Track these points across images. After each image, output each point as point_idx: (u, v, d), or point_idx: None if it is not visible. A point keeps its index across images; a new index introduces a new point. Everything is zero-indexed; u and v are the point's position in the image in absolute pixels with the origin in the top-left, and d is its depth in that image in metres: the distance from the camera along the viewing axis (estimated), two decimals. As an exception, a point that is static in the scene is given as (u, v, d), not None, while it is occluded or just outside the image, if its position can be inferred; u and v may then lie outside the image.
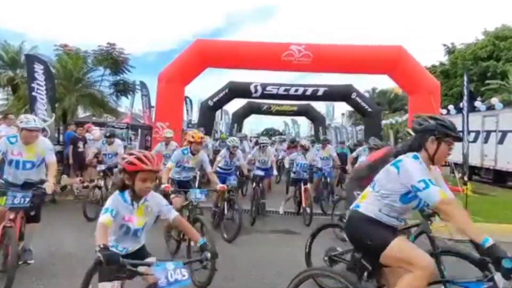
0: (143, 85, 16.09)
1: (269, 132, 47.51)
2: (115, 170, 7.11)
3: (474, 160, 13.39)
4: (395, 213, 2.47)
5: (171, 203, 4.17)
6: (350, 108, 23.40)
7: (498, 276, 2.05)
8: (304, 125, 37.38)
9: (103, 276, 2.21)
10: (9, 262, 3.42)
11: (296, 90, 16.55)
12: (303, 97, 17.33)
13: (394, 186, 2.39)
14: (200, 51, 12.21)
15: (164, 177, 4.83)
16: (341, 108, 35.88)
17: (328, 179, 8.73)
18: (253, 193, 7.51)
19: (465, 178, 8.62)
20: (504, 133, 12.88)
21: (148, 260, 2.38)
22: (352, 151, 14.00)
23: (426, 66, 21.50)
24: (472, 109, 14.11)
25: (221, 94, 16.96)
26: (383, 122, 24.34)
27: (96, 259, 1.88)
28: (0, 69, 15.70)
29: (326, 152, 9.11)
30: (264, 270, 4.44)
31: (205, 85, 17.30)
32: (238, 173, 7.76)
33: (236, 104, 24.55)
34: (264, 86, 16.39)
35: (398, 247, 2.31)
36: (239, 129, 23.52)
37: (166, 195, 5.52)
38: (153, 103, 14.87)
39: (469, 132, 11.70)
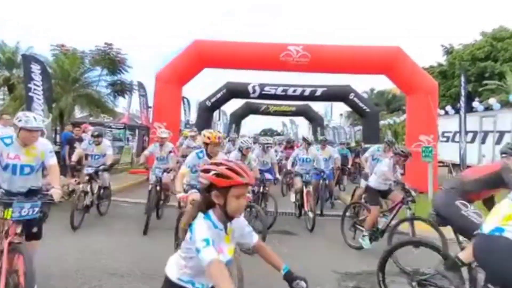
0: (140, 85, 16.06)
1: (267, 133, 47.48)
2: (104, 173, 6.74)
3: (471, 161, 13.39)
4: None
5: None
6: (348, 109, 23.42)
7: None
8: (302, 125, 37.39)
9: None
10: (25, 285, 2.82)
11: (294, 91, 16.54)
12: (301, 97, 17.32)
13: None
14: (197, 52, 12.17)
15: (178, 184, 4.27)
16: (339, 108, 35.94)
17: (327, 181, 8.47)
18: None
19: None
20: (502, 134, 12.88)
21: None
22: (351, 151, 14.07)
23: (424, 66, 21.55)
24: (470, 109, 14.12)
25: (219, 95, 16.93)
26: (381, 122, 24.34)
27: None
28: (-3, 69, 15.63)
29: (325, 153, 8.74)
30: (261, 271, 4.41)
31: (203, 86, 17.23)
32: None
33: (234, 105, 24.53)
34: (262, 86, 16.38)
35: None
36: (237, 130, 23.48)
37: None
38: (150, 103, 14.84)
39: (466, 133, 11.73)
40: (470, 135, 13.48)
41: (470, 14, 77.70)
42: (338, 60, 11.98)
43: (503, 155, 3.69)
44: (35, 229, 3.36)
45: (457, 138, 12.76)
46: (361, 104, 16.79)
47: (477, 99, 16.65)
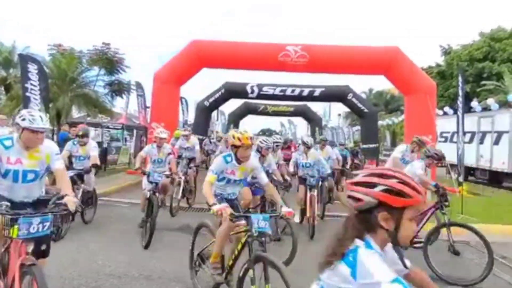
0: (138, 85, 16.01)
1: (266, 133, 47.48)
2: (90, 175, 6.26)
3: (469, 161, 13.41)
4: None
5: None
6: (346, 109, 23.40)
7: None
8: (300, 125, 37.41)
9: None
10: None
11: (293, 91, 16.50)
12: (299, 97, 17.29)
13: None
14: (196, 52, 12.13)
15: (209, 194, 3.53)
16: (338, 109, 35.96)
17: (326, 183, 8.05)
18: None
19: (460, 179, 8.62)
20: (500, 134, 12.90)
21: None
22: (350, 152, 14.05)
23: (423, 67, 21.58)
24: (468, 110, 14.14)
25: (217, 95, 16.88)
26: (380, 123, 24.37)
27: None
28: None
29: (324, 153, 8.46)
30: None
31: (201, 86, 17.20)
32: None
33: (232, 105, 24.48)
34: (260, 86, 16.34)
35: None
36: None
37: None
38: (148, 103, 14.81)
39: (464, 133, 11.74)
40: (468, 136, 13.50)
41: (468, 15, 77.98)
42: (336, 60, 11.96)
43: None
44: (43, 246, 2.82)
45: (455, 139, 12.77)
46: (359, 105, 16.76)
47: (475, 99, 16.68)
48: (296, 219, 6.62)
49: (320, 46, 12.30)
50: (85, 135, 6.29)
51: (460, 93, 9.19)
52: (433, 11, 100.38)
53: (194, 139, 9.19)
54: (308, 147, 7.13)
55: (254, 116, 26.54)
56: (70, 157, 6.32)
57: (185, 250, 5.14)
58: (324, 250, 1.31)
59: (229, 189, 4.03)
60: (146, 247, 5.09)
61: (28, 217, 2.64)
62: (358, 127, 23.84)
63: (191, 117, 21.60)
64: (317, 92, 16.56)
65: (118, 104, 17.01)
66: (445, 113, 16.31)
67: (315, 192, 6.60)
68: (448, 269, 4.49)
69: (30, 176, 3.02)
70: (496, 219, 7.42)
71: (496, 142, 13.10)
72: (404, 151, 6.61)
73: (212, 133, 20.40)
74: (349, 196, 1.36)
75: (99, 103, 13.46)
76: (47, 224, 2.73)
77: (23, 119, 2.89)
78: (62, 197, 2.88)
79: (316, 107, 27.36)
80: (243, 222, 3.39)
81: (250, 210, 4.79)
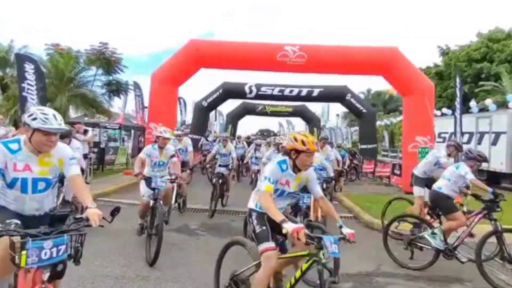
0: (136, 85, 15.96)
1: (264, 133, 47.46)
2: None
3: (468, 162, 13.40)
4: None
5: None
6: (345, 109, 23.44)
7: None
8: (299, 126, 37.41)
9: None
10: None
11: (291, 91, 16.51)
12: (298, 98, 17.30)
13: None
14: (193, 52, 12.10)
15: (272, 206, 2.81)
16: (336, 109, 36.04)
17: (325, 185, 7.49)
18: None
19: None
20: (497, 135, 12.92)
21: None
22: (348, 153, 14.06)
23: (421, 67, 21.61)
24: (466, 110, 14.16)
25: (215, 95, 16.86)
26: (378, 123, 24.39)
27: None
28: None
29: (323, 153, 7.99)
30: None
31: (199, 86, 17.17)
32: None
33: (230, 105, 24.46)
34: (258, 86, 16.33)
35: None
36: (234, 130, 23.42)
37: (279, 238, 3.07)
38: (146, 103, 14.77)
39: (463, 134, 11.75)
40: (466, 136, 13.51)
41: (467, 16, 78.21)
42: (334, 61, 11.96)
43: None
44: (60, 267, 2.32)
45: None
46: (358, 105, 16.79)
47: (473, 100, 16.71)
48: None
49: (319, 46, 12.30)
50: (67, 135, 5.47)
51: (458, 94, 9.22)
52: (431, 11, 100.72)
53: (187, 140, 8.60)
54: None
55: (252, 117, 26.53)
56: None
57: (183, 251, 5.13)
58: None
59: (280, 203, 3.18)
60: (152, 264, 4.43)
61: (37, 241, 2.13)
62: (357, 128, 23.88)
63: (189, 117, 21.57)
64: (315, 93, 16.57)
65: (116, 104, 17.01)
66: (443, 114, 16.33)
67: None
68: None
69: (41, 185, 2.57)
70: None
71: (494, 142, 13.12)
72: (439, 156, 6.11)
73: (210, 133, 20.38)
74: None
75: (96, 103, 13.43)
76: (62, 247, 2.21)
77: (34, 119, 2.41)
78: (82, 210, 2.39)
79: (315, 107, 27.43)
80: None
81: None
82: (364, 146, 16.69)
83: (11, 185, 2.49)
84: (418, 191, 6.04)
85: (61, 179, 4.96)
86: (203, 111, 17.25)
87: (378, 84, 62.78)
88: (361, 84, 69.60)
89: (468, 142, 13.99)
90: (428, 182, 5.95)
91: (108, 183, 10.21)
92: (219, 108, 22.56)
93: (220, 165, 8.31)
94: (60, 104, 11.81)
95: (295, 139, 3.01)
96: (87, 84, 13.24)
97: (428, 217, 5.27)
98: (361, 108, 16.77)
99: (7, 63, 15.25)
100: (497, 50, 22.43)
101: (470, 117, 14.17)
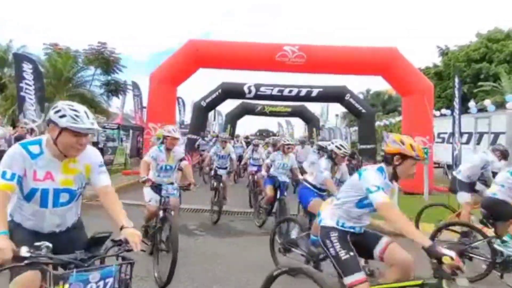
0: (135, 85, 15.94)
1: (263, 133, 47.46)
2: None
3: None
4: None
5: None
6: (344, 110, 23.41)
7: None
8: (298, 126, 37.43)
9: None
10: None
11: (290, 91, 16.47)
12: (297, 98, 17.27)
13: None
14: (192, 52, 12.08)
15: (409, 225, 2.35)
16: (335, 109, 36.02)
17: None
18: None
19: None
20: (496, 135, 12.91)
21: None
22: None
23: (420, 67, 21.63)
24: (465, 110, 14.15)
25: (214, 95, 16.82)
26: (377, 123, 24.37)
27: None
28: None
29: None
30: (258, 273, 4.33)
31: (198, 86, 17.15)
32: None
33: (229, 105, 24.46)
34: (257, 87, 16.30)
35: None
36: (233, 130, 23.41)
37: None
38: (145, 103, 14.73)
39: (462, 134, 11.74)
40: (465, 136, 13.51)
41: (466, 16, 78.33)
42: (334, 61, 11.95)
43: None
44: None
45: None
46: (357, 105, 16.75)
47: (472, 100, 16.72)
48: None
49: (318, 47, 12.29)
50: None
51: (457, 94, 9.21)
52: (431, 12, 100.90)
53: (177, 142, 7.96)
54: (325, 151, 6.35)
55: (252, 117, 26.52)
56: None
57: (182, 251, 5.07)
58: None
59: (365, 221, 2.79)
60: (165, 286, 3.77)
61: (82, 274, 1.70)
62: (356, 128, 23.85)
63: (188, 118, 21.54)
64: (314, 93, 16.55)
65: (114, 104, 16.99)
66: (442, 114, 16.32)
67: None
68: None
69: (64, 197, 2.11)
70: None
71: (493, 143, 13.10)
72: (491, 160, 5.78)
73: (209, 133, 20.35)
74: None
75: (95, 103, 13.41)
76: (110, 280, 1.79)
77: (62, 116, 1.96)
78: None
79: (314, 107, 27.44)
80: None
81: None
82: (363, 146, 16.65)
83: (28, 197, 2.03)
84: (466, 197, 5.58)
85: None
86: (202, 111, 17.20)
87: (378, 84, 62.79)
88: (360, 84, 69.76)
89: (467, 142, 13.99)
90: (471, 186, 5.69)
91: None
92: (218, 108, 22.53)
93: (218, 168, 7.94)
94: (58, 104, 11.79)
95: (403, 142, 2.57)
96: (85, 84, 13.24)
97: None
98: (360, 108, 16.73)
99: (5, 62, 15.23)
100: (496, 51, 22.45)
101: (469, 117, 14.17)
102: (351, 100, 16.70)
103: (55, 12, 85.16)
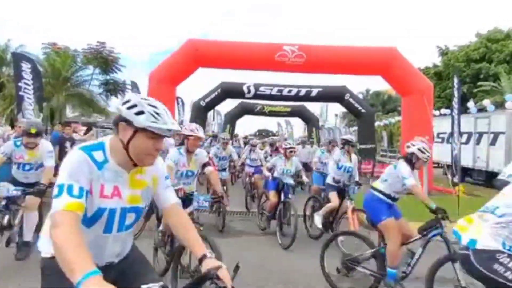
0: (134, 84, 15.89)
1: (263, 133, 47.46)
2: (36, 199, 4.19)
3: (466, 162, 13.40)
4: None
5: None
6: (343, 109, 23.40)
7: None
8: (297, 126, 37.41)
9: None
10: None
11: (290, 91, 16.45)
12: (296, 98, 17.25)
13: None
14: (192, 51, 12.06)
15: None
16: (335, 109, 36.01)
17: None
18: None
19: (455, 180, 8.56)
20: (496, 135, 12.91)
21: None
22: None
23: (420, 67, 21.62)
24: (465, 110, 14.15)
25: (214, 95, 16.80)
26: (377, 123, 24.38)
27: None
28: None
29: (335, 155, 7.20)
30: (264, 274, 4.31)
31: (197, 85, 17.12)
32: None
33: (228, 105, 24.41)
34: (257, 86, 16.27)
35: None
36: (232, 130, 23.38)
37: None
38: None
39: (461, 134, 11.74)
40: (465, 136, 13.50)
41: (466, 16, 78.45)
42: (333, 61, 11.94)
43: None
44: None
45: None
46: (356, 105, 16.74)
47: (472, 100, 16.72)
48: (318, 223, 5.86)
49: (317, 46, 12.27)
50: (38, 133, 4.16)
51: (456, 94, 9.19)
52: (431, 12, 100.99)
53: (169, 141, 7.03)
54: (352, 145, 6.29)
55: (251, 116, 26.49)
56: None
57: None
58: None
59: None
60: None
61: None
62: (355, 128, 23.84)
63: (187, 117, 21.49)
64: (314, 92, 16.53)
65: (113, 104, 16.97)
66: (442, 114, 16.32)
67: (353, 203, 5.56)
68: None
69: (130, 218, 1.65)
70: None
71: (493, 143, 13.11)
72: None
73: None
74: None
75: (93, 103, 13.38)
76: None
77: (140, 112, 1.51)
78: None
79: (313, 107, 27.45)
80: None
81: None
82: (363, 146, 16.63)
83: (92, 220, 1.53)
84: None
85: (27, 191, 4.05)
86: (201, 110, 17.18)
87: (377, 84, 62.72)
88: (360, 84, 69.86)
89: (467, 142, 13.99)
90: None
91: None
92: (217, 108, 22.49)
93: (218, 170, 7.48)
94: (57, 103, 11.74)
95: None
96: (84, 84, 13.20)
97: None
98: (360, 108, 16.72)
99: (3, 62, 15.17)
100: (496, 51, 22.46)
101: (469, 117, 14.17)
102: (351, 100, 16.68)
103: (54, 12, 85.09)
